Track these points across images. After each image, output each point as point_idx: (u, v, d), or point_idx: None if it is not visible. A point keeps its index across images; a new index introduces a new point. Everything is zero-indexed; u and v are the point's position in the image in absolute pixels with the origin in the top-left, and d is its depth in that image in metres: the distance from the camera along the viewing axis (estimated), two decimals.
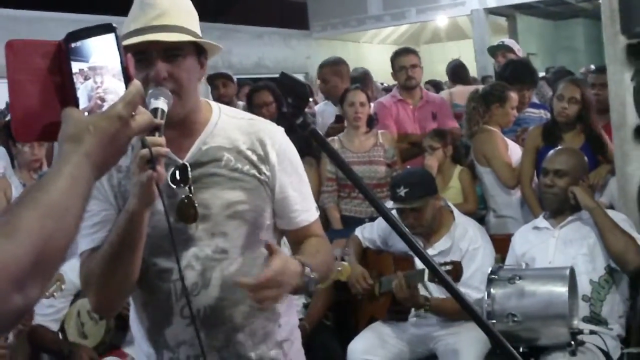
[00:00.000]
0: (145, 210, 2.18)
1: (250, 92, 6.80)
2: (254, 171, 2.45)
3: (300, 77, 13.94)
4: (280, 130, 2.57)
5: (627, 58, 4.62)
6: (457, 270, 4.23)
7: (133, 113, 1.59)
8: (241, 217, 2.43)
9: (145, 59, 2.26)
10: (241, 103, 6.66)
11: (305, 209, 2.59)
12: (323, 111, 7.33)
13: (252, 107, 6.29)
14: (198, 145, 2.43)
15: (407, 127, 6.60)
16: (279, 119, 2.64)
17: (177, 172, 2.37)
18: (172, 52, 2.28)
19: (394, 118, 6.60)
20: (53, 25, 11.46)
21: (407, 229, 1.97)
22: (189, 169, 2.36)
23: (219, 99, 7.21)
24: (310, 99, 8.43)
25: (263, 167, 2.47)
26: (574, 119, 5.40)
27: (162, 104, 2.15)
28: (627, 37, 4.61)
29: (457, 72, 9.43)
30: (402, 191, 4.62)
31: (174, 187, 2.37)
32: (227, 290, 2.41)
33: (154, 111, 2.11)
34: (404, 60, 6.69)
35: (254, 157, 2.46)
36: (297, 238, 2.61)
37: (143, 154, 2.05)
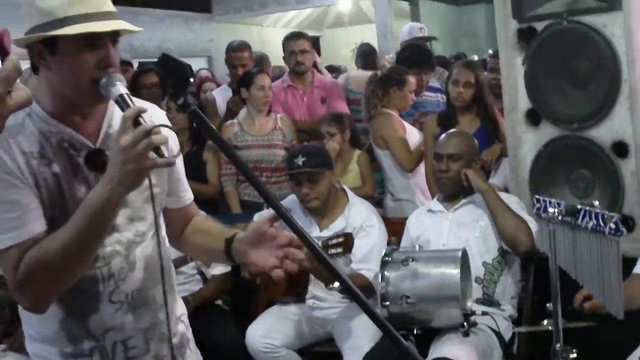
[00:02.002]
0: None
1: (137, 74, 6.69)
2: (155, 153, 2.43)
3: (203, 60, 13.81)
4: (163, 112, 2.58)
5: (518, 42, 4.70)
6: (348, 242, 4.26)
7: (9, 90, 1.54)
8: (155, 199, 2.44)
9: (94, 44, 2.19)
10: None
11: (188, 188, 2.68)
12: (225, 98, 7.08)
13: (139, 89, 6.20)
14: (105, 129, 2.38)
15: (296, 113, 6.54)
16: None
17: (92, 158, 2.29)
18: (116, 38, 2.26)
19: (282, 104, 6.54)
20: None
21: (294, 219, 1.97)
22: (105, 153, 2.27)
23: None
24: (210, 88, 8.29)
25: (162, 148, 2.44)
26: (470, 102, 5.46)
27: (123, 89, 2.15)
28: (518, 22, 4.69)
29: (367, 57, 9.29)
30: (299, 160, 4.68)
31: (92, 172, 2.30)
32: (149, 271, 2.47)
33: (122, 98, 2.13)
34: (293, 45, 6.59)
35: None
36: (182, 216, 2.67)
37: (158, 140, 2.05)
